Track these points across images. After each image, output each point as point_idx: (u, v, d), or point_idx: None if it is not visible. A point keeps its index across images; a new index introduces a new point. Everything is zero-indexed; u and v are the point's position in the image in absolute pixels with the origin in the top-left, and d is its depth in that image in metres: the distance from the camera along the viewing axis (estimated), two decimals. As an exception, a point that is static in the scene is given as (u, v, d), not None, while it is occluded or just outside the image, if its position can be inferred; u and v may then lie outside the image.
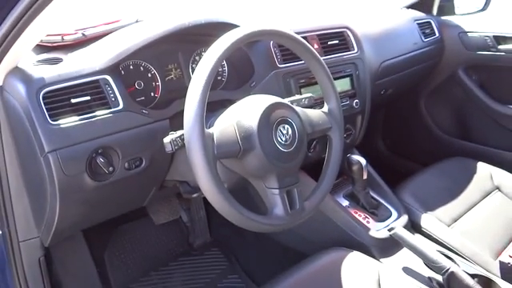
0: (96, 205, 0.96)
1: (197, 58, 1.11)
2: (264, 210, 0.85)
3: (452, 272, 0.99)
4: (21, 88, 0.80)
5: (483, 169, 1.43)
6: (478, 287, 0.97)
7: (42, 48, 0.96)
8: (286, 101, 0.90)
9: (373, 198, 1.26)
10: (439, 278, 1.03)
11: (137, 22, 1.10)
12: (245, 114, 0.83)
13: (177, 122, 0.99)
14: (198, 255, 1.57)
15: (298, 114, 0.89)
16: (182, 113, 1.00)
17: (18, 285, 1.03)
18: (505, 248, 1.20)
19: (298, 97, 1.00)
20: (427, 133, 1.86)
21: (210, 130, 0.78)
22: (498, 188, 1.37)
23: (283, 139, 0.84)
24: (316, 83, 1.21)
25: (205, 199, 1.57)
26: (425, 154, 1.75)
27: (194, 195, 1.04)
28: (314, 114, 0.95)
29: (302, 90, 1.20)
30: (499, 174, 1.41)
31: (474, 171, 1.43)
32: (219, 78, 1.16)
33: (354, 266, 1.02)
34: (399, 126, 1.87)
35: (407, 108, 1.85)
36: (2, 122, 0.88)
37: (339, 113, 0.97)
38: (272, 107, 0.84)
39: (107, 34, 1.00)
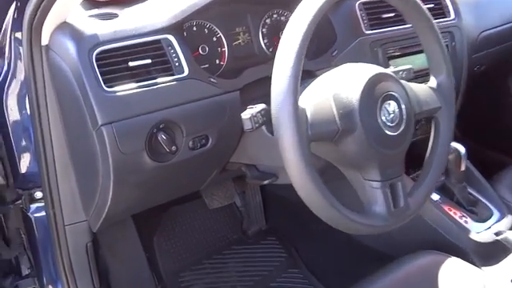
0: (153, 188, 0.82)
1: (267, 21, 0.95)
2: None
3: None
4: (70, 46, 0.66)
5: None
6: None
7: (92, 3, 0.82)
8: (391, 71, 0.71)
9: (470, 193, 1.06)
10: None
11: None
12: (344, 85, 0.65)
13: (248, 94, 0.84)
14: (254, 244, 1.43)
15: (405, 88, 0.70)
16: (254, 84, 0.86)
17: (62, 272, 0.93)
18: None
19: (397, 68, 0.81)
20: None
21: (302, 105, 0.61)
22: None
23: (389, 119, 0.66)
24: (407, 55, 1.03)
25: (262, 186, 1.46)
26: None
27: (265, 182, 0.89)
28: (421, 89, 0.76)
29: (390, 62, 1.01)
30: None
31: None
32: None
33: (453, 275, 0.85)
34: (485, 111, 1.62)
35: (496, 90, 1.59)
36: (47, 88, 0.75)
37: (451, 89, 0.78)
38: (376, 78, 0.66)
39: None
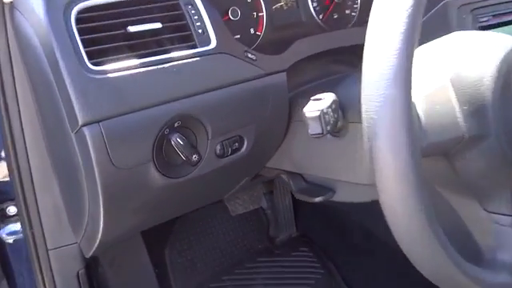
0: (160, 209, 0.60)
1: None
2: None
3: None
4: (38, 3, 0.42)
5: None
6: None
7: None
8: None
9: None
10: None
11: None
12: (469, 67, 0.41)
13: (297, 76, 0.60)
14: (283, 255, 1.21)
15: None
16: (306, 62, 0.62)
17: None
18: None
19: None
20: None
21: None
22: None
23: None
24: (504, 24, 0.78)
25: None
26: None
27: (317, 199, 0.65)
28: None
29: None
30: None
31: None
32: (348, 11, 0.74)
33: None
34: None
35: None
36: (15, 67, 0.52)
37: None
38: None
39: None
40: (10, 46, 0.51)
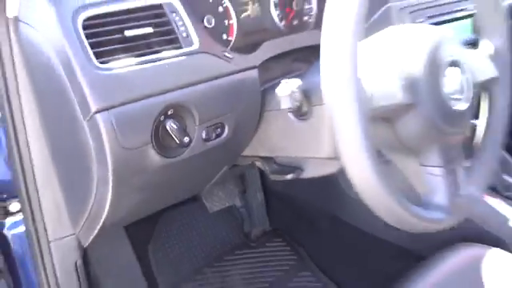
0: (157, 190, 0.68)
1: None
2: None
3: None
4: (48, 11, 0.50)
5: None
6: None
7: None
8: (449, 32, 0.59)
9: (504, 179, 0.97)
10: None
11: None
12: (402, 51, 0.53)
13: (266, 72, 0.70)
14: (258, 247, 1.30)
15: (465, 53, 0.58)
16: (272, 60, 0.73)
17: None
18: None
19: None
20: None
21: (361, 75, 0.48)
22: None
23: (453, 90, 0.54)
24: (439, 24, 0.92)
25: (263, 180, 1.34)
26: None
27: (289, 177, 0.75)
28: (475, 56, 0.64)
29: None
30: None
31: None
32: (306, 18, 0.86)
33: (499, 268, 0.76)
34: None
35: None
36: (19, 73, 0.59)
37: (508, 56, 0.66)
38: (439, 40, 0.54)
39: None
40: (14, 56, 0.59)
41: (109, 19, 0.53)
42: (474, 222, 0.90)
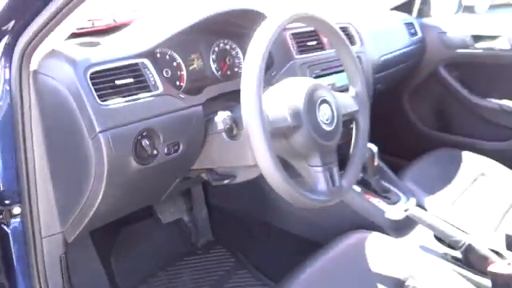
0: (132, 190, 0.94)
1: (216, 49, 1.13)
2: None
3: (469, 245, 1.06)
4: (67, 68, 0.78)
5: (468, 157, 1.54)
6: (495, 258, 1.04)
7: (73, 34, 0.94)
8: (324, 83, 0.94)
9: (382, 184, 1.32)
10: (454, 253, 1.10)
11: (159, 11, 1.10)
12: (291, 93, 0.85)
13: (208, 107, 1.01)
14: (204, 254, 1.56)
15: (334, 95, 0.93)
16: (212, 99, 1.03)
17: (37, 284, 0.98)
18: (500, 223, 1.29)
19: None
20: (410, 128, 1.97)
21: (264, 108, 0.80)
22: (482, 174, 1.48)
23: (325, 118, 0.87)
24: (328, 74, 1.28)
25: (206, 198, 1.61)
26: (409, 148, 1.84)
27: (225, 181, 1.05)
28: (344, 97, 0.99)
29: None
30: (482, 161, 1.52)
31: (460, 160, 1.53)
32: (236, 69, 1.18)
33: (376, 246, 1.06)
34: (382, 123, 1.97)
35: (390, 105, 1.94)
36: (33, 108, 0.84)
37: (365, 96, 1.02)
38: (314, 87, 0.88)
39: (134, 21, 1.00)
40: (31, 97, 0.84)
41: (106, 73, 0.81)
42: (362, 214, 1.23)
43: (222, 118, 0.83)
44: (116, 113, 0.80)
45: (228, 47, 1.15)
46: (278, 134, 0.82)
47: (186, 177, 1.12)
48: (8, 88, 0.83)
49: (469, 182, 1.43)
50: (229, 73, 1.15)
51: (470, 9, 1.86)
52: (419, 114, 1.96)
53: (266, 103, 0.84)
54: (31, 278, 0.97)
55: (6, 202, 0.93)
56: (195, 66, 1.08)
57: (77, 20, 0.79)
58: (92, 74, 0.80)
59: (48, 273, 0.98)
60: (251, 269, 1.49)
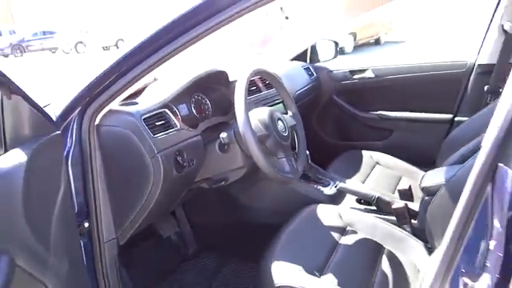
0: (169, 195, 1.39)
1: (193, 99, 1.64)
2: None
3: (378, 197, 1.69)
4: (129, 117, 1.26)
5: (365, 154, 2.20)
6: (398, 204, 1.67)
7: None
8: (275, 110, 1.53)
9: (318, 175, 1.92)
10: (370, 206, 1.72)
11: (155, 79, 1.60)
12: (260, 116, 1.42)
13: (206, 134, 1.52)
14: (194, 259, 1.98)
15: (283, 115, 1.52)
16: (208, 129, 1.55)
17: (102, 283, 1.34)
18: (395, 185, 1.94)
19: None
20: (320, 141, 2.63)
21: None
22: (377, 162, 2.16)
23: (282, 129, 1.45)
24: (271, 105, 1.87)
25: (187, 216, 2.05)
26: (321, 156, 2.44)
27: (222, 183, 1.55)
28: (287, 117, 1.59)
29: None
30: (375, 155, 2.21)
31: (361, 156, 2.19)
32: (207, 112, 1.71)
33: (323, 212, 1.59)
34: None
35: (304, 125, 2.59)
36: (96, 150, 1.28)
37: (298, 116, 1.63)
38: (272, 111, 1.46)
39: (146, 87, 1.50)
40: (95, 144, 1.27)
41: (149, 118, 1.30)
42: (309, 195, 1.80)
43: (224, 135, 1.36)
44: (162, 141, 1.29)
45: (200, 98, 1.68)
46: (261, 138, 1.38)
47: (189, 189, 1.60)
48: (78, 137, 1.25)
49: (370, 168, 2.10)
50: (203, 115, 1.67)
51: (341, 50, 2.62)
52: (325, 130, 2.66)
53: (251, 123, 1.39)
54: (97, 275, 1.34)
55: (79, 219, 1.33)
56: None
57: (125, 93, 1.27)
58: (144, 118, 1.28)
59: (109, 272, 1.36)
60: (235, 261, 1.95)
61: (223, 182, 1.56)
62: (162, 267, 1.88)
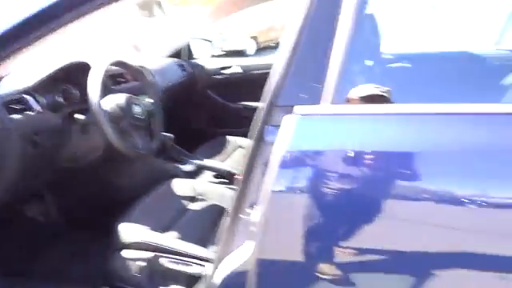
0: (28, 173, 1.58)
1: (62, 87, 1.75)
2: None
3: (228, 171, 2.03)
4: None
5: (231, 138, 2.52)
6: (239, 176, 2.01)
7: None
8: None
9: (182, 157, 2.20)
10: (222, 180, 2.05)
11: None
12: (118, 101, 1.67)
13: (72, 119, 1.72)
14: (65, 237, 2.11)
15: (141, 102, 1.78)
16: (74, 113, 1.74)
17: None
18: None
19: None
20: (193, 128, 2.90)
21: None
22: (240, 146, 2.49)
23: (138, 112, 1.71)
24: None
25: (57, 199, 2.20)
26: (192, 141, 2.53)
27: (85, 162, 1.76)
28: (145, 102, 1.85)
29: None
30: (238, 139, 2.51)
31: (227, 141, 2.52)
32: (70, 100, 1.88)
33: (180, 185, 1.80)
34: (177, 126, 2.42)
35: (181, 114, 2.80)
36: None
37: (158, 103, 1.90)
38: (130, 97, 1.71)
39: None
40: None
41: (11, 102, 1.48)
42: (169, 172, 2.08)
43: (80, 116, 1.58)
44: (18, 121, 1.47)
45: (67, 86, 1.83)
46: (113, 120, 1.61)
47: (55, 169, 1.77)
48: None
49: (232, 150, 2.42)
50: (71, 101, 1.80)
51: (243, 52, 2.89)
52: (199, 119, 2.95)
53: (106, 105, 1.62)
54: None
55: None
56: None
57: None
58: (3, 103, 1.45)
59: None
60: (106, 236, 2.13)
61: (85, 161, 1.77)
62: (30, 247, 1.96)
